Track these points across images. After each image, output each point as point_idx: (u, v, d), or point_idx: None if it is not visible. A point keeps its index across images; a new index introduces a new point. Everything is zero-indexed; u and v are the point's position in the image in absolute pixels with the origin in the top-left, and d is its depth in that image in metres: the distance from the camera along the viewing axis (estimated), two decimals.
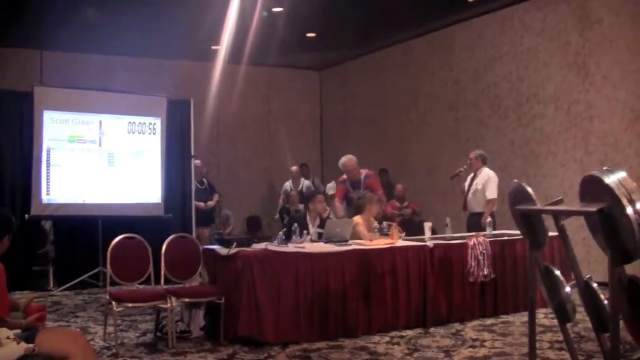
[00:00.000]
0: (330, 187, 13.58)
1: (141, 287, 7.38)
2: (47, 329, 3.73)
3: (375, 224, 7.66)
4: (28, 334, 3.51)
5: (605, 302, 3.67)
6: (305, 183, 13.40)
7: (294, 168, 13.57)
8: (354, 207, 8.46)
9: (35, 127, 9.85)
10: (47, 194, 9.92)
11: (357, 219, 8.06)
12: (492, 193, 9.25)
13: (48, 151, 9.94)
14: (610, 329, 3.51)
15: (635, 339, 3.67)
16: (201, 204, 11.46)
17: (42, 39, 11.97)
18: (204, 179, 11.84)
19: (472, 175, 9.58)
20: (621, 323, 3.60)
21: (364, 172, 9.17)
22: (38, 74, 12.79)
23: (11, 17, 10.52)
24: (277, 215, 13.30)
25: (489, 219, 8.61)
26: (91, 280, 9.97)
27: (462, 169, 9.75)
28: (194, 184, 11.33)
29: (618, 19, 9.38)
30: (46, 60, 12.99)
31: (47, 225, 11.09)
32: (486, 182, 9.31)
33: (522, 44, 10.90)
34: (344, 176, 9.15)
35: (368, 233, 7.59)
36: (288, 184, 13.83)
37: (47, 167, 9.93)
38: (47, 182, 9.92)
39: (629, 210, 3.23)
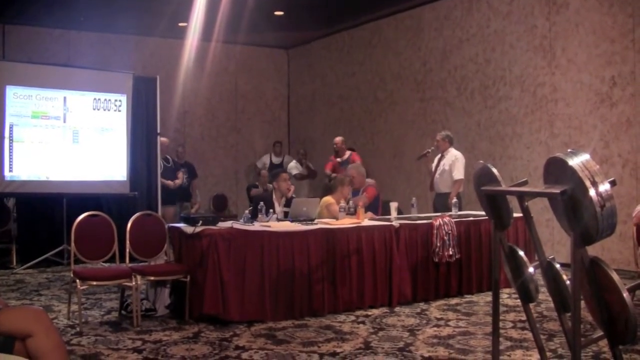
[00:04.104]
0: (293, 167, 13.64)
1: (106, 265, 7.36)
2: (9, 307, 3.69)
3: (342, 203, 7.68)
4: None
5: (568, 282, 3.71)
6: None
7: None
8: (325, 188, 8.53)
9: None
10: (10, 171, 9.79)
11: (329, 199, 8.10)
12: (459, 174, 9.35)
13: (11, 127, 9.79)
14: (571, 309, 3.55)
15: (596, 319, 3.73)
16: (169, 182, 11.33)
17: (5, 12, 11.73)
18: (168, 156, 11.70)
19: (439, 155, 9.65)
20: (582, 303, 3.65)
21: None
22: (0, 48, 12.56)
23: None
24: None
25: (455, 200, 8.67)
26: (55, 258, 9.88)
27: (429, 150, 9.81)
28: (160, 161, 11.23)
29: (584, 3, 9.44)
30: (9, 34, 12.74)
31: (10, 202, 10.95)
32: (453, 162, 9.40)
33: (489, 26, 10.95)
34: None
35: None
36: (264, 160, 13.93)
37: (10, 143, 9.78)
38: (10, 158, 9.78)
39: (592, 192, 3.26)
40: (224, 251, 6.32)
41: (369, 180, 9.36)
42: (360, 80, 13.88)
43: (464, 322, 6.37)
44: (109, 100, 10.61)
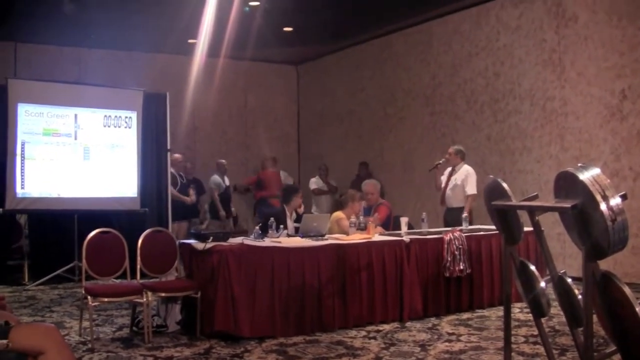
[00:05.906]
0: (313, 182, 13.70)
1: (117, 281, 7.35)
2: (22, 324, 3.70)
3: (353, 218, 7.68)
4: (0, 330, 3.47)
5: (579, 297, 3.70)
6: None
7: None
8: (336, 203, 8.53)
9: (10, 120, 9.74)
10: (22, 188, 9.82)
11: (340, 214, 8.11)
12: (472, 189, 9.33)
13: (23, 144, 9.83)
14: (583, 323, 3.54)
15: (608, 334, 3.71)
16: (187, 198, 11.37)
17: (17, 30, 11.83)
18: (181, 173, 11.73)
19: (450, 170, 9.62)
20: (594, 318, 3.63)
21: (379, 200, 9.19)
22: (12, 66, 12.65)
23: None
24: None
25: (465, 214, 8.64)
26: (66, 274, 9.89)
27: (440, 162, 9.75)
28: (177, 177, 11.26)
29: (593, 17, 9.45)
30: (20, 52, 12.85)
31: (22, 219, 11.00)
32: (466, 177, 9.39)
33: (498, 40, 10.96)
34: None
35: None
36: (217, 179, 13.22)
37: (22, 160, 9.82)
38: (22, 175, 9.82)
39: (603, 206, 3.26)
40: (235, 267, 6.32)
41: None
42: (370, 95, 13.90)
43: (475, 337, 6.34)
44: (120, 117, 10.66)
